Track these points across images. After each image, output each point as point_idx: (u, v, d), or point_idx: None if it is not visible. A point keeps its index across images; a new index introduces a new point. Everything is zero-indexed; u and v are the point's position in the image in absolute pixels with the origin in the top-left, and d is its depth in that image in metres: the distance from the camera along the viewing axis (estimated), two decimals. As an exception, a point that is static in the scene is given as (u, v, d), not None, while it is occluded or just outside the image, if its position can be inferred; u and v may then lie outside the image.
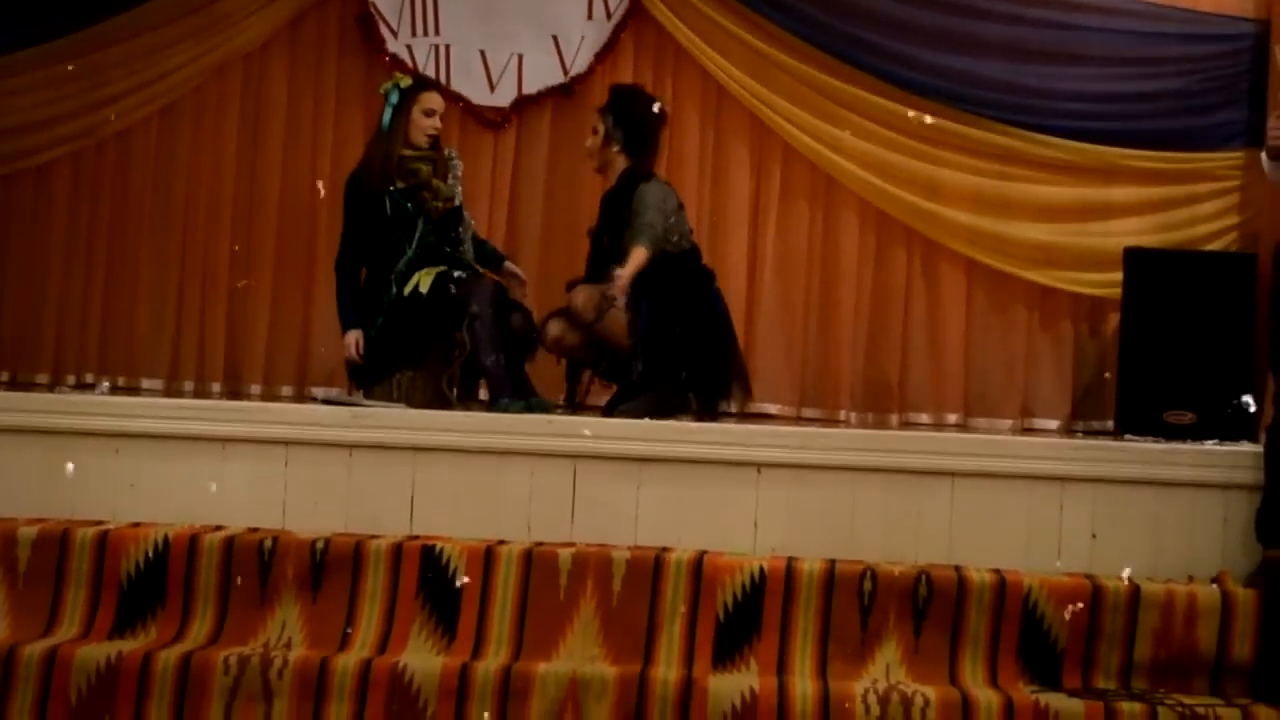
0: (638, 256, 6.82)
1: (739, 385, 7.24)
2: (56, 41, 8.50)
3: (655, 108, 7.32)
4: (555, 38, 8.48)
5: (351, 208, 7.13)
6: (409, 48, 8.50)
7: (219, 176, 8.56)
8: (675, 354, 6.89)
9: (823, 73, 8.33)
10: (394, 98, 7.16)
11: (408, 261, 6.98)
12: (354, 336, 7.01)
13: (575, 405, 7.21)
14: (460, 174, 7.17)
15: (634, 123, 7.16)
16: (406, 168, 7.06)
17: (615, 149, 7.13)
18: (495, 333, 6.82)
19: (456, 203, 7.11)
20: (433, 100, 7.23)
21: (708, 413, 7.00)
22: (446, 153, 7.20)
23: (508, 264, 7.42)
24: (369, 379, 7.02)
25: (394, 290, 6.96)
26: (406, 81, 7.26)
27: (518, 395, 6.77)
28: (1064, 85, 8.26)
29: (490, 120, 8.48)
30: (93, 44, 8.52)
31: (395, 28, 8.52)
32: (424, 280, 6.93)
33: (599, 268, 7.07)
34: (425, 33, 8.53)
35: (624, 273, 6.77)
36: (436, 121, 7.20)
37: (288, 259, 8.50)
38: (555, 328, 7.05)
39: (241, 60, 8.59)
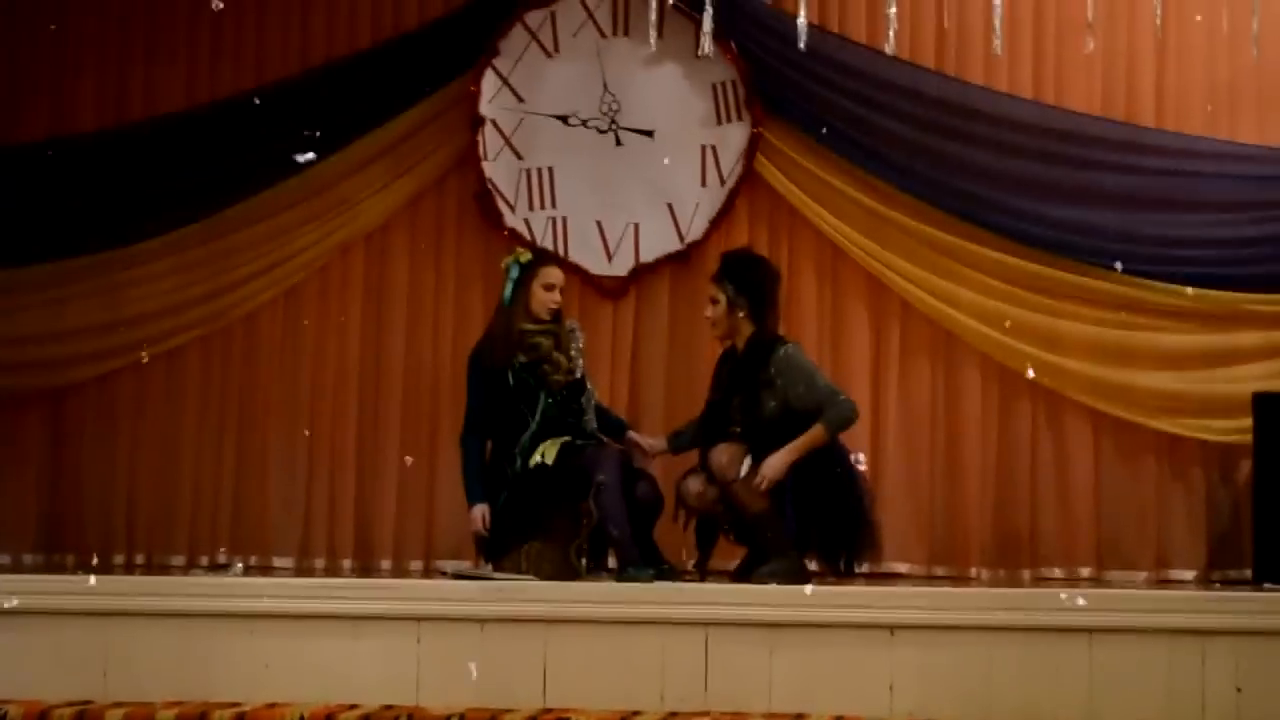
0: (815, 436, 6.81)
1: (871, 543, 7.11)
2: (185, 229, 8.70)
3: (771, 268, 7.34)
4: (670, 206, 8.56)
5: (474, 383, 7.19)
6: (527, 221, 8.61)
7: (344, 355, 8.70)
8: (816, 515, 6.84)
9: (937, 229, 8.33)
10: (514, 272, 7.23)
11: (531, 434, 7.02)
12: (481, 510, 7.03)
13: (706, 567, 7.17)
14: (582, 346, 7.25)
15: (755, 287, 7.11)
16: (528, 342, 7.11)
17: (741, 315, 7.08)
18: (621, 501, 6.82)
19: (578, 375, 7.17)
20: (553, 274, 7.27)
21: (843, 573, 6.94)
22: (567, 325, 7.27)
23: (630, 432, 7.45)
24: (497, 551, 7.02)
25: (519, 463, 7.00)
26: (526, 256, 7.33)
27: (646, 563, 6.76)
28: (1181, 232, 8.22)
29: (609, 289, 8.56)
30: (219, 229, 8.69)
31: (513, 202, 8.63)
32: (548, 452, 6.97)
33: (720, 427, 7.05)
34: (542, 206, 8.64)
35: (789, 452, 6.76)
36: (557, 295, 7.24)
37: (412, 435, 8.58)
38: (695, 484, 7.02)
39: (364, 240, 8.75)
